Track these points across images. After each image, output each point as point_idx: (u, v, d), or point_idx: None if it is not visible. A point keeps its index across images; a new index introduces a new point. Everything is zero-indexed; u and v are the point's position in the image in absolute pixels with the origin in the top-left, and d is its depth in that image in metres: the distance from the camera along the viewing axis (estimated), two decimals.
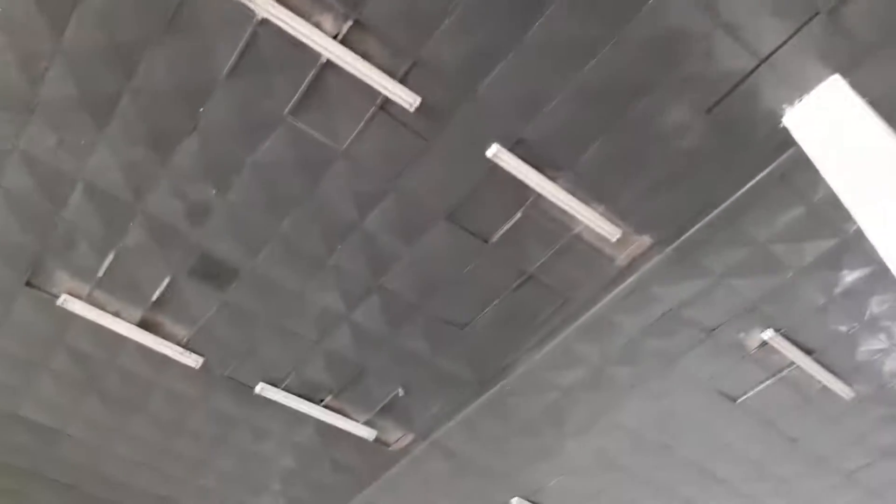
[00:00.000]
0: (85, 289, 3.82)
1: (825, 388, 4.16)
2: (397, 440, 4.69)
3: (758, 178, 3.25)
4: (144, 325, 4.02)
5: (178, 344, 4.10)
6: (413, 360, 4.18)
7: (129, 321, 3.98)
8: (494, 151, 3.17)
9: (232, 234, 3.57)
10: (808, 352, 4.01)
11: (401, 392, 4.36)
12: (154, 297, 3.88)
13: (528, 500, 5.10)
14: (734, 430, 4.49)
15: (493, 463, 4.84)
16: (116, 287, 3.82)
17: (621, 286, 3.74)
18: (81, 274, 3.76)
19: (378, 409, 4.47)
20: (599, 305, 3.84)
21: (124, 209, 3.45)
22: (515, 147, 3.18)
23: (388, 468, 4.87)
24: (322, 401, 4.43)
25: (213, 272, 3.76)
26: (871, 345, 3.97)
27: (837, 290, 3.70)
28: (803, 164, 2.97)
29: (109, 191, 3.37)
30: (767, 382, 4.17)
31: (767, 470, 4.76)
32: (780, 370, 4.11)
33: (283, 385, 4.33)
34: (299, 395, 4.37)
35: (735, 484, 4.88)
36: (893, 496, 4.90)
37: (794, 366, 4.05)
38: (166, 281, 3.77)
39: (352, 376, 4.28)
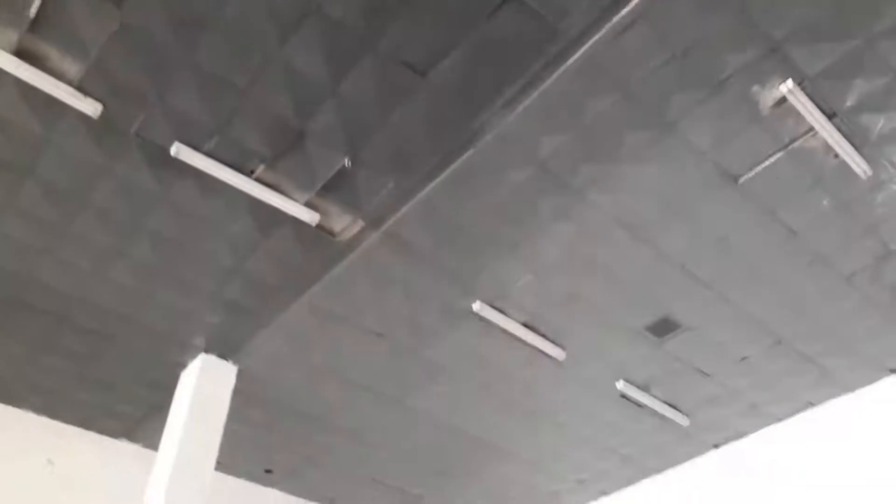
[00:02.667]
0: None
1: (841, 166, 3.60)
2: (344, 228, 4.04)
3: None
4: (23, 55, 3.20)
5: (70, 84, 3.30)
6: (362, 120, 3.46)
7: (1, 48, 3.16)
8: None
9: None
10: (830, 116, 3.40)
11: (347, 163, 3.66)
12: (32, 13, 3.03)
13: (492, 306, 4.58)
14: (730, 219, 3.94)
15: (453, 259, 4.26)
16: None
17: (620, 15, 3.03)
18: None
19: (320, 186, 3.78)
20: (591, 44, 3.13)
21: None
22: None
23: (334, 264, 4.25)
24: (253, 172, 3.72)
25: None
26: None
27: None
28: None
29: None
30: (777, 156, 3.59)
31: (760, 270, 4.27)
32: (794, 139, 3.51)
33: (206, 149, 3.59)
34: (226, 164, 3.65)
35: (722, 288, 4.40)
36: (890, 302, 4.49)
37: (812, 133, 3.45)
38: None
39: (288, 141, 3.56)
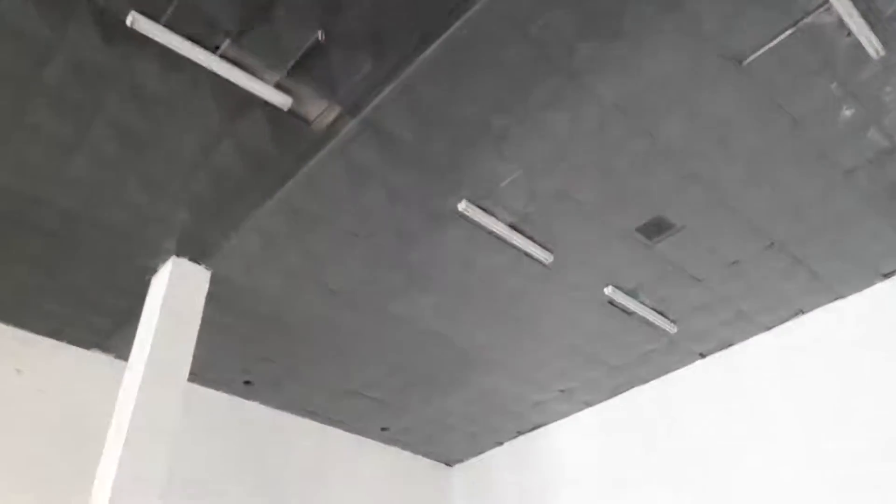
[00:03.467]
0: None
1: (853, 45, 3.36)
2: (319, 115, 3.75)
3: None
4: None
5: None
6: None
7: None
8: None
9: None
10: None
11: (321, 36, 3.35)
12: None
13: (478, 206, 4.36)
14: (732, 106, 3.70)
15: (437, 152, 4.00)
16: None
17: None
18: None
19: (292, 64, 3.47)
20: None
21: None
22: None
23: (308, 157, 3.98)
24: (218, 48, 3.40)
25: None
26: None
27: None
28: None
29: None
30: (786, 34, 3.33)
31: (759, 166, 4.08)
32: (807, 14, 3.25)
33: (164, 19, 3.26)
34: (188, 38, 3.32)
35: (719, 186, 4.20)
36: (888, 201, 4.33)
37: (826, 6, 3.19)
38: None
39: (256, 11, 3.24)
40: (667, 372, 6.16)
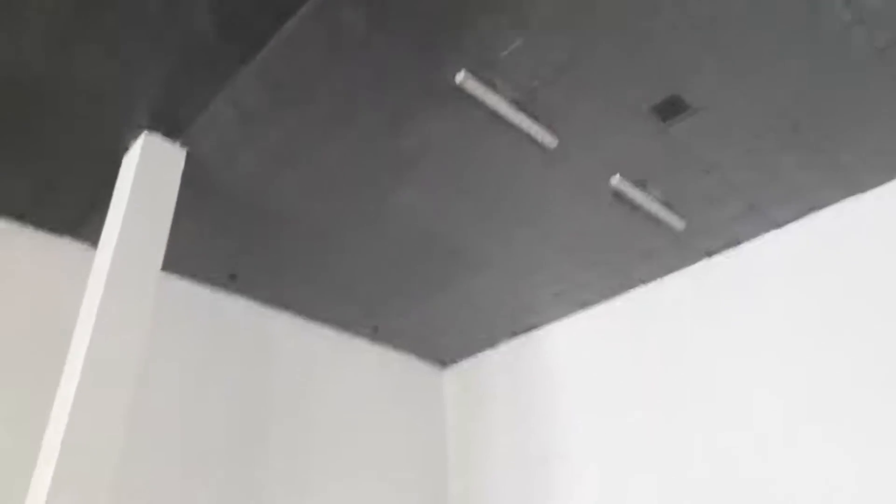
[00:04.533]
0: None
1: None
2: None
3: None
4: None
5: None
6: None
7: None
8: None
9: None
10: None
11: None
12: None
13: (477, 78, 3.95)
14: None
15: (431, 13, 3.56)
16: None
17: None
18: None
19: None
20: None
21: None
22: None
23: (285, 17, 3.53)
24: None
25: None
26: None
27: None
28: None
29: None
30: None
31: (790, 39, 3.66)
32: None
33: None
34: None
35: (744, 60, 3.80)
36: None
37: None
38: None
39: None
40: (670, 272, 5.91)
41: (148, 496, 4.90)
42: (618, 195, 4.89)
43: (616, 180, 4.74)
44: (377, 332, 6.88)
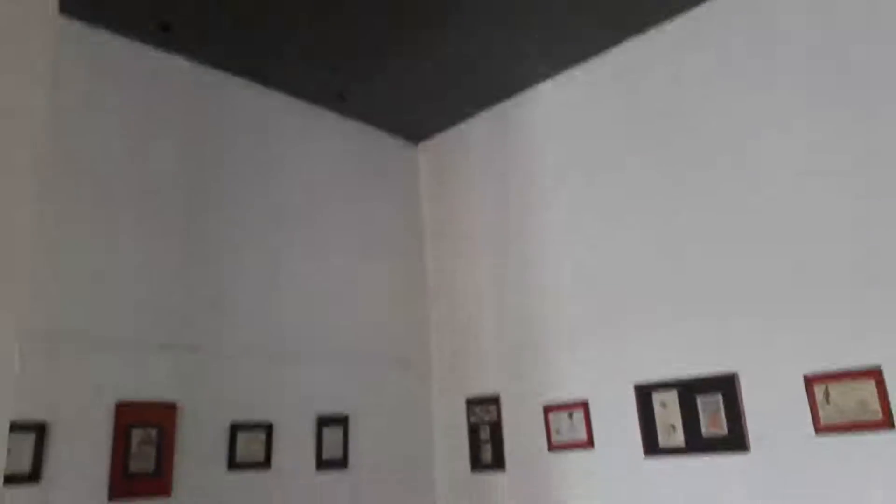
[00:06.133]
0: None
1: None
2: None
3: None
4: None
5: None
6: None
7: None
8: None
9: None
10: None
11: None
12: None
13: None
14: None
15: None
16: None
17: None
18: None
19: None
20: None
21: None
22: None
23: None
24: None
25: None
26: None
27: None
28: None
29: None
30: None
31: None
32: None
33: None
34: None
35: None
36: None
37: None
38: None
39: None
40: (670, 17, 5.15)
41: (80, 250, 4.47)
42: None
43: None
44: (344, 102, 6.19)
